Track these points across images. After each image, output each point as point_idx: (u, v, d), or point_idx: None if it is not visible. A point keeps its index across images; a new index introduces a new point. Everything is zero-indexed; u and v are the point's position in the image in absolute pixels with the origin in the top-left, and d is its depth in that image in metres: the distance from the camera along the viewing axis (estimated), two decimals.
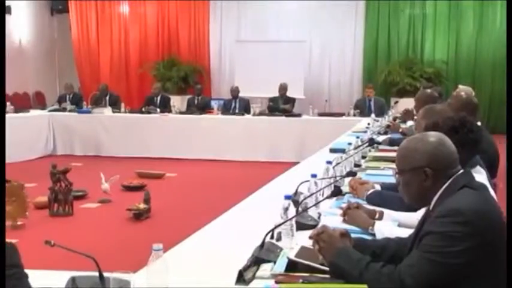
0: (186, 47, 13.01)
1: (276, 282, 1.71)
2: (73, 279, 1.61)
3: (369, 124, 6.84)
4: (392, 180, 2.89)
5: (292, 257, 1.82)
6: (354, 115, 8.85)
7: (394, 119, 7.25)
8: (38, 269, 1.64)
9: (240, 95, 9.80)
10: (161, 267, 1.51)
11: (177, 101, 10.60)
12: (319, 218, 2.43)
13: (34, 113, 9.70)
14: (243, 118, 9.20)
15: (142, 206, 5.23)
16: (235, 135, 8.95)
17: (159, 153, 8.86)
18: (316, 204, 2.44)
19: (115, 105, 9.81)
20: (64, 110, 9.63)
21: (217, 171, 8.00)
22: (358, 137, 4.67)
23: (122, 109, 9.66)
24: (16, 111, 9.09)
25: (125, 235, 4.80)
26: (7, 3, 11.86)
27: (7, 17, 12.06)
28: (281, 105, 9.59)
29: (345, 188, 2.84)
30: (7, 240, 1.19)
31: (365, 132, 5.94)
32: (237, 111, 9.53)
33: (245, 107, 9.60)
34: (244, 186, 5.82)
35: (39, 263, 1.65)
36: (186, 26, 13.03)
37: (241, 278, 1.73)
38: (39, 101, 12.92)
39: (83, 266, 1.75)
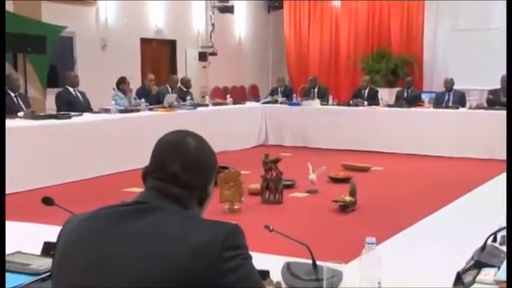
0: (397, 38, 12.66)
1: None
2: (288, 265, 1.66)
3: None
4: None
5: None
6: None
7: None
8: (253, 252, 1.74)
9: (455, 87, 9.21)
10: (374, 260, 1.48)
11: (385, 94, 10.39)
12: None
13: (249, 105, 10.37)
14: (457, 112, 8.63)
15: (348, 198, 5.23)
16: (448, 129, 8.44)
17: (365, 147, 8.79)
18: None
19: (323, 97, 10.01)
20: (276, 102, 10.13)
21: (426, 167, 7.65)
22: None
23: (330, 101, 9.81)
24: (234, 103, 9.85)
25: (331, 226, 4.86)
26: (230, 3, 12.90)
27: (230, 16, 13.13)
28: (503, 98, 8.76)
29: None
30: (232, 221, 1.26)
31: None
32: (450, 104, 8.98)
33: (460, 100, 8.99)
34: (456, 183, 5.49)
35: (254, 246, 1.74)
36: (398, 16, 12.68)
37: (459, 280, 1.61)
38: (253, 94, 13.83)
39: (294, 252, 1.81)
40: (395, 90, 10.62)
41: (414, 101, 9.43)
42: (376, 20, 13.04)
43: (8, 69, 8.47)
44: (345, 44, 13.41)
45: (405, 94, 9.77)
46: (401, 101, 9.46)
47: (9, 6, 8.88)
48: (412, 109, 9.01)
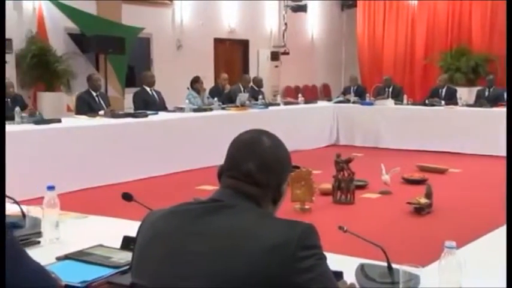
0: (478, 35, 12.14)
1: None
2: (362, 266, 1.63)
3: None
4: None
5: None
6: None
7: None
8: (326, 252, 1.72)
9: None
10: (454, 265, 1.43)
11: (464, 93, 9.99)
12: None
13: (321, 104, 10.30)
14: None
15: (423, 200, 5.08)
16: None
17: (441, 147, 8.49)
18: None
19: (397, 97, 9.78)
20: (348, 101, 9.99)
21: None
22: None
23: (404, 101, 9.57)
24: (306, 102, 9.81)
25: (406, 228, 4.74)
26: (303, 2, 12.87)
27: (303, 15, 13.10)
28: None
29: None
30: (307, 221, 1.26)
31: None
32: None
33: None
34: None
35: (326, 247, 1.73)
36: (480, 13, 12.15)
37: None
38: (325, 93, 13.72)
39: (368, 254, 1.77)
40: (475, 89, 10.19)
41: (496, 100, 9.00)
42: (456, 17, 12.58)
43: (90, 69, 8.87)
44: (421, 43, 13.04)
45: (486, 93, 9.36)
46: (482, 101, 9.07)
47: (92, 9, 9.31)
48: (494, 109, 8.60)
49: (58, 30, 8.94)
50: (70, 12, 8.97)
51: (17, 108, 6.02)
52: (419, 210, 5.01)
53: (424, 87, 11.75)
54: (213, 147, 6.58)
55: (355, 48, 14.05)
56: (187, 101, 7.97)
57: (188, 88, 8.69)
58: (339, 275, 1.56)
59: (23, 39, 8.42)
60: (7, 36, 8.05)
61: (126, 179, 6.10)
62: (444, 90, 9.52)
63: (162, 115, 7.38)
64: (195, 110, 7.77)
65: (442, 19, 12.78)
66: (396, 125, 9.08)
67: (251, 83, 9.83)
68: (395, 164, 6.09)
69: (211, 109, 8.08)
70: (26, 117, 6.06)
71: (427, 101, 9.30)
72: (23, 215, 2.15)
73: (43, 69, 8.41)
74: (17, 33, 8.28)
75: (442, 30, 12.74)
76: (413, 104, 9.53)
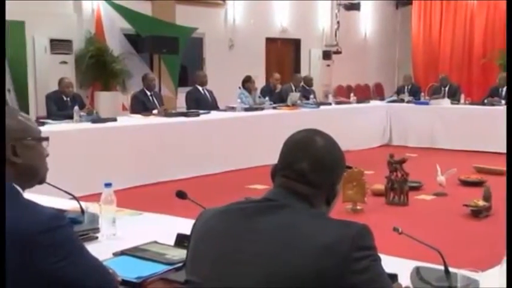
0: None
1: None
2: (417, 269, 1.60)
3: None
4: None
5: None
6: None
7: None
8: (379, 254, 1.69)
9: None
10: None
11: None
12: None
13: (374, 103, 10.14)
14: None
15: (481, 202, 4.92)
16: None
17: (501, 148, 8.17)
18: None
19: (454, 96, 9.51)
20: (402, 101, 9.80)
21: None
22: None
23: (461, 101, 9.30)
24: (358, 102, 9.68)
25: (463, 231, 4.60)
26: (356, 0, 12.71)
27: (356, 14, 12.94)
28: None
29: None
30: (360, 222, 1.24)
31: None
32: None
33: None
34: None
35: (380, 248, 1.70)
36: None
37: None
38: (378, 92, 13.49)
39: (422, 257, 1.73)
40: None
41: None
42: None
43: (145, 69, 9.06)
44: (479, 41, 12.63)
45: None
46: None
47: (147, 10, 9.52)
48: None
49: (115, 31, 9.17)
50: (126, 13, 9.19)
51: (76, 107, 6.24)
52: (477, 213, 4.85)
53: (482, 87, 11.37)
54: (264, 147, 6.60)
55: (409, 47, 13.75)
56: (238, 100, 8.02)
57: (240, 87, 8.74)
58: (393, 277, 1.53)
59: (82, 40, 8.69)
60: (68, 37, 8.36)
61: (178, 177, 6.21)
62: (505, 89, 9.18)
63: (214, 114, 7.45)
64: (246, 109, 7.80)
65: (502, 16, 12.32)
66: (452, 125, 8.83)
67: (302, 82, 9.79)
68: (451, 165, 5.93)
69: (262, 108, 8.10)
70: (84, 116, 6.28)
71: (486, 101, 9.00)
72: (82, 211, 2.22)
73: (100, 69, 8.66)
74: (76, 34, 8.56)
75: (502, 27, 12.28)
76: (471, 103, 9.24)
